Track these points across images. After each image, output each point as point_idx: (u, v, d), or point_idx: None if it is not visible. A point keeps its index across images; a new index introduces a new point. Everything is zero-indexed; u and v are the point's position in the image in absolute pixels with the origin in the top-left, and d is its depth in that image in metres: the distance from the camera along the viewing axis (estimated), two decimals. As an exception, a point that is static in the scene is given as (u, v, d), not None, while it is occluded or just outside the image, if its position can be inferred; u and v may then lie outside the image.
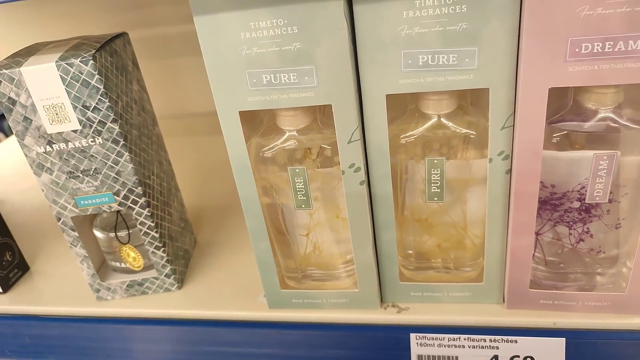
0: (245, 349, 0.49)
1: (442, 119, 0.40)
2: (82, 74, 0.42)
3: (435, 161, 0.40)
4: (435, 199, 0.41)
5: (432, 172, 0.40)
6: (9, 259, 0.58)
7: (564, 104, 0.39)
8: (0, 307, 0.55)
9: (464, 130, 0.40)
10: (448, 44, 0.35)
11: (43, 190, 0.47)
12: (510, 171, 0.39)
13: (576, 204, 0.39)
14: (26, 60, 0.43)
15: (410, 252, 0.48)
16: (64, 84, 0.42)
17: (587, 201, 0.39)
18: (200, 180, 0.74)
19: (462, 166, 0.41)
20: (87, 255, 0.51)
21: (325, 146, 0.41)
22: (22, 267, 0.59)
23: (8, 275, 0.57)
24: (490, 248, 0.43)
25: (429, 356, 0.45)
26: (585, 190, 0.39)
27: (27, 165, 0.47)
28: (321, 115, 0.41)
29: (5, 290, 0.57)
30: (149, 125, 0.52)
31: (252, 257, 0.54)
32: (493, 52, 0.34)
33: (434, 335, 0.44)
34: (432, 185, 0.41)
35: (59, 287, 0.57)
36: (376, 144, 0.39)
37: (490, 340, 0.43)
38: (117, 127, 0.45)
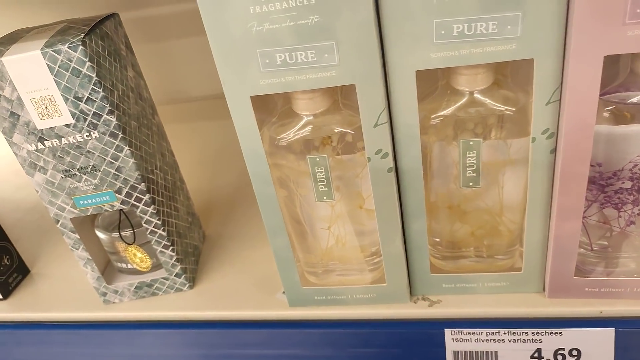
0: (266, 351, 0.46)
1: (476, 95, 0.36)
2: (71, 61, 0.38)
3: (471, 143, 0.36)
4: (471, 184, 0.38)
5: (468, 155, 0.36)
6: (7, 263, 0.54)
7: (614, 74, 0.35)
8: (1, 315, 0.52)
9: (502, 107, 0.36)
10: (488, 10, 0.30)
11: (37, 191, 0.44)
12: (555, 150, 0.35)
13: (628, 184, 0.36)
14: (8, 49, 0.39)
15: (438, 240, 0.44)
16: (52, 74, 0.38)
17: (642, 180, 0.35)
18: (205, 170, 0.70)
19: (499, 147, 0.37)
20: (90, 257, 0.47)
21: (347, 131, 0.37)
22: (21, 271, 0.56)
23: (7, 281, 0.54)
24: (531, 234, 0.39)
25: (466, 352, 0.42)
26: (639, 169, 0.35)
27: (20, 163, 0.43)
28: (341, 97, 0.37)
29: (5, 297, 0.53)
30: (148, 114, 0.48)
31: (267, 250, 0.51)
32: (539, 17, 0.30)
33: (471, 330, 0.41)
34: (468, 169, 0.37)
35: (62, 290, 0.53)
36: (405, 126, 0.35)
37: (533, 333, 0.40)
38: (114, 119, 0.40)
